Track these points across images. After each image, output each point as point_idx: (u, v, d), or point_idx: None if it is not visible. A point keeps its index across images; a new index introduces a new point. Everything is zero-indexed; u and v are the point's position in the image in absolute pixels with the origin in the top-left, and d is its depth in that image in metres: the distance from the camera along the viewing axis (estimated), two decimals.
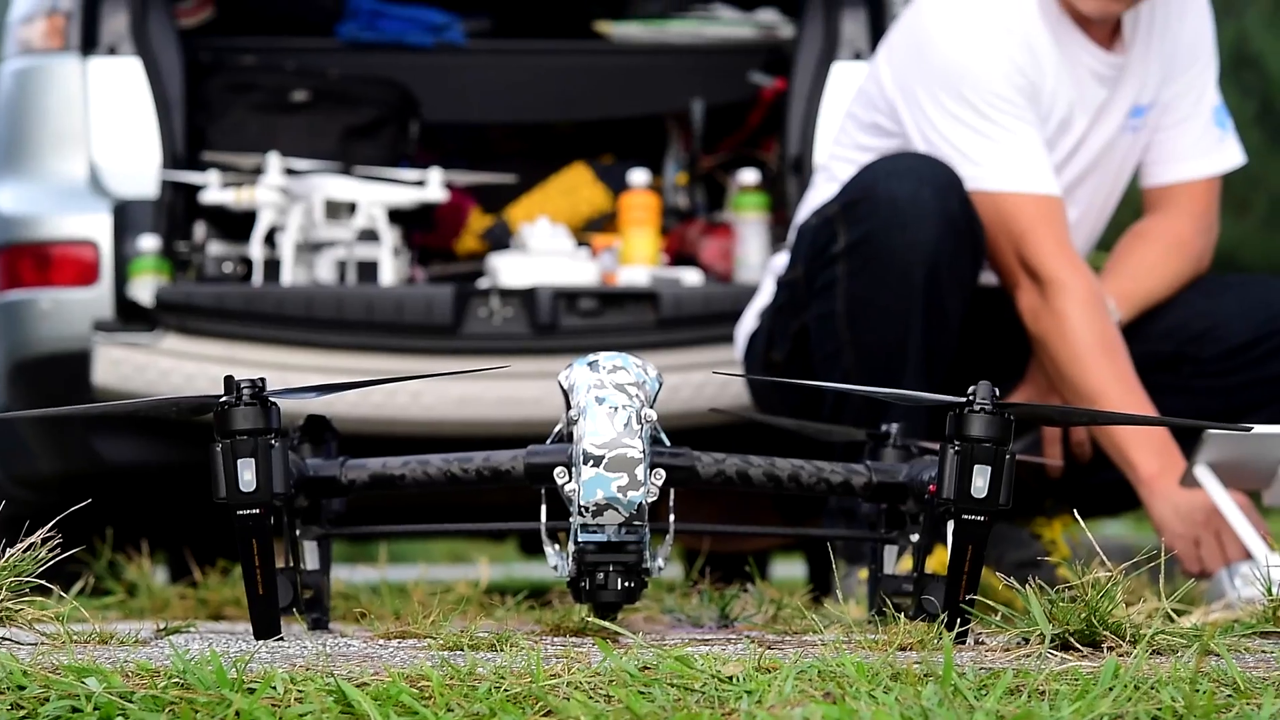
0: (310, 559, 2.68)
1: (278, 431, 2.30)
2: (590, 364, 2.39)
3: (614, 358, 2.40)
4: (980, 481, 2.28)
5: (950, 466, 2.29)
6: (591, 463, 2.32)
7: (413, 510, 4.54)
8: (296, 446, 2.72)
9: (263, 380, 2.30)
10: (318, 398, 2.38)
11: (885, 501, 2.66)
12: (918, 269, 3.28)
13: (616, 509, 2.33)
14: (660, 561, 2.52)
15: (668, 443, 2.58)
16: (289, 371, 4.04)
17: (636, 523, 2.35)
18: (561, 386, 2.43)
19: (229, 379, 2.29)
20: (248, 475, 2.28)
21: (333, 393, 2.38)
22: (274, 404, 2.30)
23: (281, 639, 2.34)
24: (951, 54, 3.42)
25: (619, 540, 2.40)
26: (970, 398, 2.30)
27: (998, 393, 2.31)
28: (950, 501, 2.30)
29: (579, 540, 2.40)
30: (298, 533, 2.64)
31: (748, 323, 3.71)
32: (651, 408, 2.38)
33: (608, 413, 2.33)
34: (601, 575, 2.41)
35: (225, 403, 2.29)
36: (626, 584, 2.42)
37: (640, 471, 2.31)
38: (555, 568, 2.51)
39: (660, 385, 2.45)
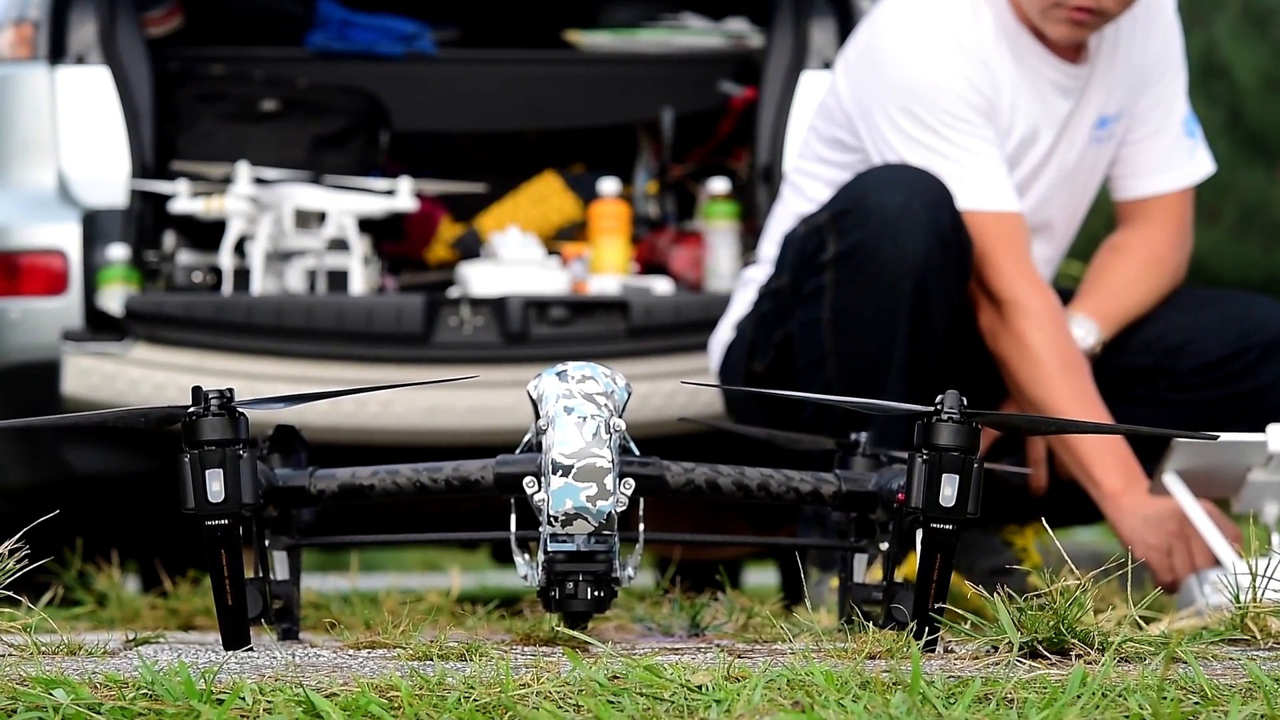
0: (280, 569, 2.68)
1: (246, 442, 2.30)
2: (559, 374, 2.40)
3: (583, 368, 2.40)
4: (948, 490, 2.29)
5: (918, 475, 2.29)
6: (560, 472, 2.32)
7: (385, 518, 4.53)
8: (266, 456, 2.71)
9: (231, 391, 2.30)
10: (287, 407, 2.38)
11: (854, 510, 2.66)
12: (906, 280, 3.28)
13: (586, 518, 2.33)
14: (630, 570, 2.52)
15: (637, 452, 2.58)
16: (259, 381, 4.03)
17: (606, 532, 2.36)
18: (530, 396, 2.43)
19: (197, 389, 2.29)
20: (216, 486, 2.28)
21: (302, 403, 2.38)
22: (242, 414, 2.29)
23: (250, 649, 2.34)
24: (906, 72, 3.42)
25: (588, 550, 2.40)
26: (938, 407, 2.30)
27: (965, 401, 2.32)
28: (918, 511, 2.30)
29: (548, 550, 2.40)
30: (266, 543, 2.64)
31: (723, 334, 3.71)
32: (620, 417, 2.38)
33: (576, 422, 2.33)
34: (571, 584, 2.42)
35: (193, 413, 2.29)
36: (596, 593, 2.42)
37: (609, 481, 2.32)
38: (525, 577, 2.51)
39: (629, 395, 2.46)
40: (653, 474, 2.54)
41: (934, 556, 2.31)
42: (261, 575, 2.58)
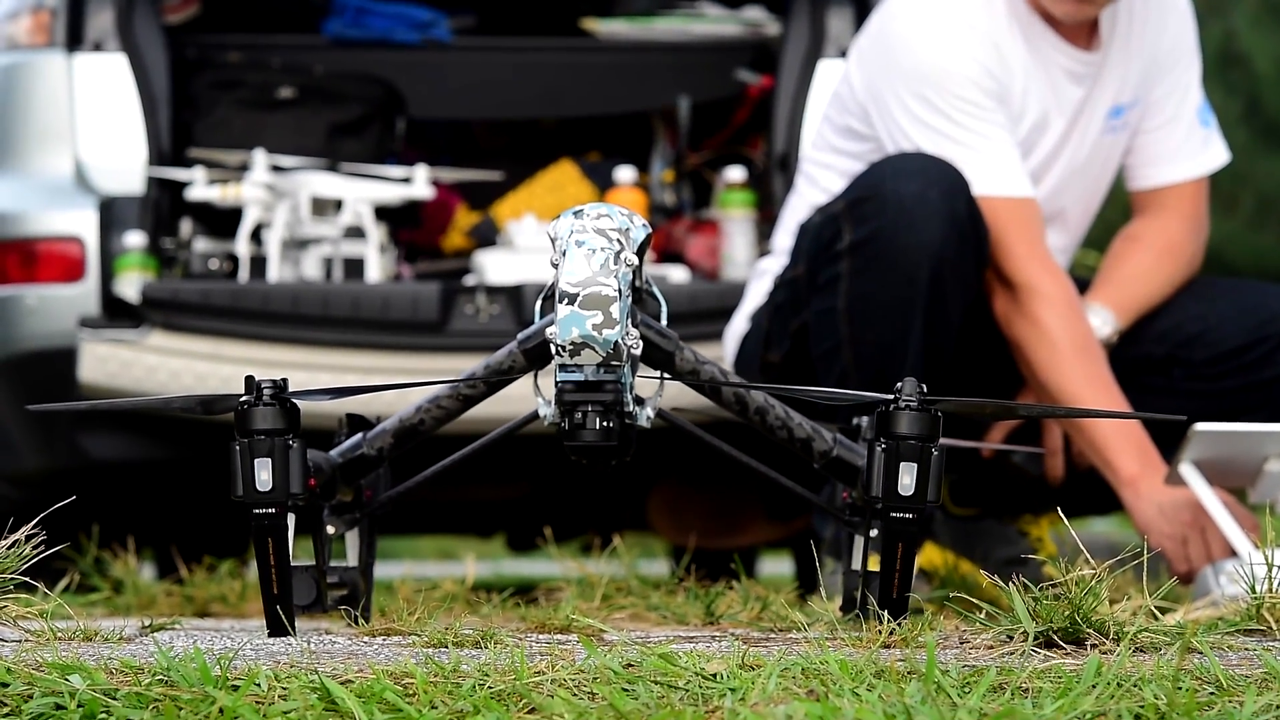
0: (350, 554, 2.69)
1: (297, 432, 2.31)
2: (576, 213, 2.37)
3: (600, 207, 2.37)
4: (907, 479, 2.29)
5: (877, 464, 2.30)
6: (567, 301, 2.29)
7: (407, 512, 4.54)
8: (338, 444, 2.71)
9: (284, 381, 2.31)
10: (332, 399, 2.39)
11: (837, 478, 2.66)
12: (922, 269, 3.28)
13: (593, 347, 2.30)
14: (650, 412, 2.50)
15: (662, 303, 2.58)
16: (275, 368, 4.04)
17: (614, 363, 2.33)
18: (549, 236, 2.41)
19: (249, 378, 2.30)
20: (264, 475, 2.29)
21: (353, 395, 2.39)
22: (293, 404, 2.30)
23: (273, 636, 2.34)
24: (918, 58, 3.42)
25: (597, 379, 2.37)
26: (896, 394, 2.31)
27: (925, 389, 2.32)
28: (878, 499, 2.30)
29: (558, 381, 2.38)
30: (330, 530, 2.64)
31: (738, 325, 3.71)
32: (638, 255, 2.37)
33: (585, 254, 2.30)
34: (580, 415, 2.38)
35: (245, 402, 2.30)
36: (605, 423, 2.37)
37: (616, 310, 2.28)
38: (545, 417, 2.50)
39: (649, 234, 2.43)
40: (664, 348, 2.53)
41: (895, 545, 2.32)
42: (316, 563, 2.59)
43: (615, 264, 2.30)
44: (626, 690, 1.92)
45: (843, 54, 4.23)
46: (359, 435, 2.62)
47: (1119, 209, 3.86)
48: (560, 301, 2.29)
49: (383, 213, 4.33)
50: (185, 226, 4.33)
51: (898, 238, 3.28)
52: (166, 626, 2.53)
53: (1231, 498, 3.25)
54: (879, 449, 2.30)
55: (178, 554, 4.07)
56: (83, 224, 4.16)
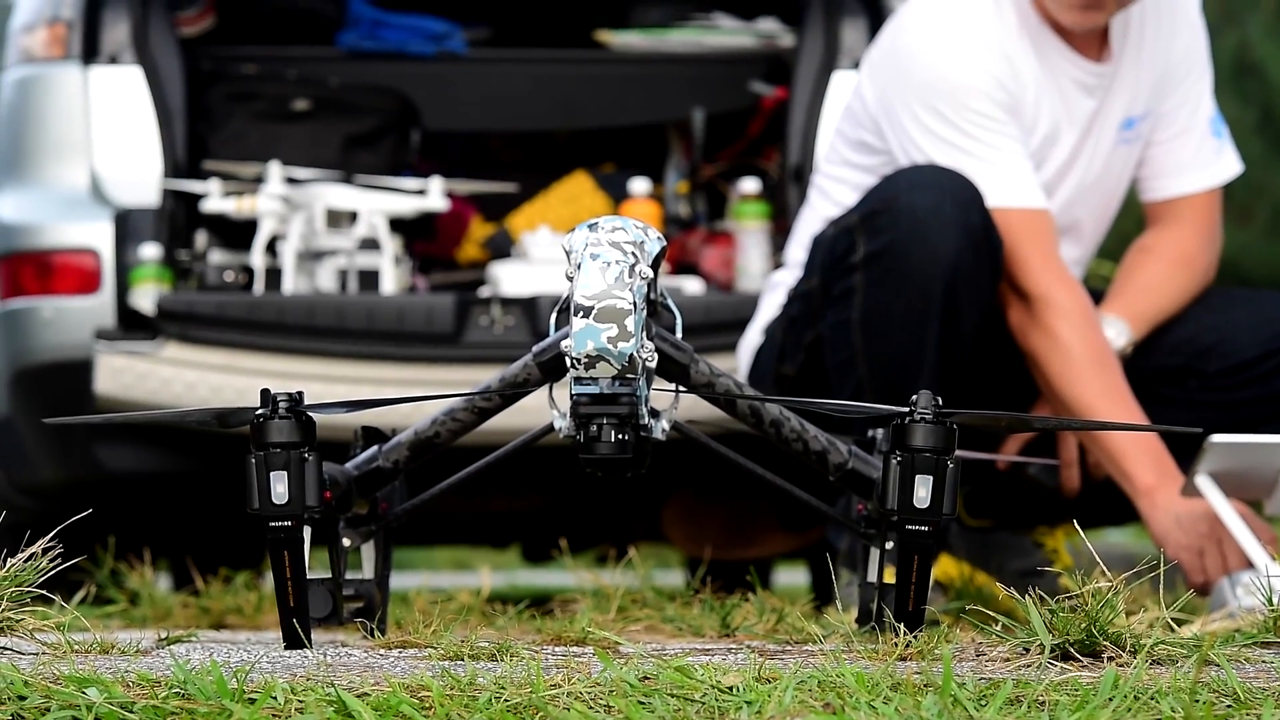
0: (366, 566, 2.69)
1: (313, 445, 2.31)
2: (590, 225, 2.38)
3: (615, 220, 2.38)
4: (923, 492, 2.29)
5: (893, 477, 2.30)
6: (581, 314, 2.29)
7: (428, 517, 4.54)
8: (353, 457, 2.72)
9: (300, 394, 2.32)
10: (349, 412, 2.39)
11: (852, 490, 2.66)
12: (936, 281, 3.28)
13: (608, 360, 2.30)
14: (665, 424, 2.50)
15: (676, 312, 2.58)
16: (290, 380, 4.04)
17: (629, 375, 2.33)
18: (564, 250, 2.42)
19: (265, 391, 2.31)
20: (280, 488, 2.30)
21: (369, 407, 2.40)
22: (309, 418, 2.31)
23: (294, 649, 2.34)
24: (931, 70, 3.42)
25: (612, 392, 2.37)
26: (911, 408, 2.31)
27: (940, 401, 2.32)
28: (893, 512, 2.31)
29: (574, 394, 2.38)
30: (346, 542, 2.65)
31: (751, 338, 3.71)
32: (652, 269, 2.37)
33: (600, 267, 2.31)
34: (595, 428, 2.38)
35: (261, 415, 2.30)
36: (620, 436, 2.37)
37: (630, 323, 2.29)
38: (560, 430, 2.50)
39: (663, 247, 2.44)
40: (679, 359, 2.53)
41: (911, 558, 2.32)
42: (332, 576, 2.59)
43: (630, 277, 2.30)
44: (643, 703, 1.92)
45: (856, 65, 4.23)
46: (374, 448, 2.63)
47: (1133, 220, 3.86)
48: (575, 314, 2.30)
49: (398, 224, 4.34)
50: (200, 238, 4.33)
51: (912, 250, 3.28)
52: (183, 639, 2.53)
53: (1248, 509, 3.25)
54: (894, 462, 2.30)
55: (193, 566, 4.07)
56: (98, 236, 4.17)
